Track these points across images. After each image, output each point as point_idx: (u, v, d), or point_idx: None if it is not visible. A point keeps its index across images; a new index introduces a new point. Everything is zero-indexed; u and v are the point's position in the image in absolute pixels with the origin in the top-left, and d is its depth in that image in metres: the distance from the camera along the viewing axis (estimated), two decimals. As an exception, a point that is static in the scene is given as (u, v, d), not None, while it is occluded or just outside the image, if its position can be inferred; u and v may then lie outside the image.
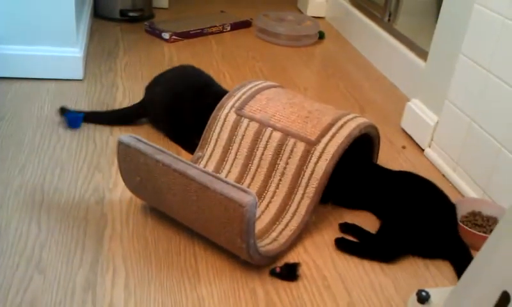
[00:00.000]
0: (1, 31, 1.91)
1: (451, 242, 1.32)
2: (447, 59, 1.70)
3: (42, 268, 1.17)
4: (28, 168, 1.49)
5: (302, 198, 1.34)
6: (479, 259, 0.85)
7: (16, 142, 1.60)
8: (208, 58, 2.39)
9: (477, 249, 0.97)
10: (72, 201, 1.39)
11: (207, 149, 1.50)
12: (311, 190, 1.33)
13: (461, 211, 1.44)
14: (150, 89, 1.74)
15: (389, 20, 2.47)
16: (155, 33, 2.56)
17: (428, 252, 1.32)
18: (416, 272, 1.28)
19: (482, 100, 1.53)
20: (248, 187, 1.40)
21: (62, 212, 1.34)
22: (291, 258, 1.28)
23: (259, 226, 1.31)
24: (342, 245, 1.32)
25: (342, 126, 1.39)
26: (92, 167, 1.52)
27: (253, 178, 1.42)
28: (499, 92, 1.45)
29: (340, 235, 1.36)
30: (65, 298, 1.10)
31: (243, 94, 1.53)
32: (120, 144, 1.27)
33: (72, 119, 1.68)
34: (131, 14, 2.72)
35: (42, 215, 1.32)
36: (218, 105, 1.52)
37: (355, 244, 1.33)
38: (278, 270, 1.21)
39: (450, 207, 1.38)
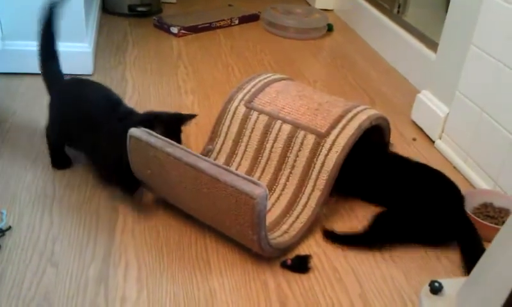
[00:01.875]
0: (12, 27, 1.92)
1: (458, 223, 1.31)
2: (458, 50, 1.69)
3: (55, 261, 1.18)
4: (39, 162, 1.50)
5: (312, 190, 1.34)
6: (492, 249, 0.85)
7: (27, 136, 1.61)
8: (217, 52, 2.39)
9: (489, 240, 0.96)
10: (83, 194, 1.39)
11: (217, 142, 1.50)
12: (321, 183, 1.33)
13: (473, 202, 1.43)
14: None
15: (398, 11, 2.45)
16: (164, 27, 2.57)
17: (436, 238, 1.31)
18: (427, 264, 1.27)
19: (494, 91, 1.51)
20: (258, 179, 1.40)
21: (74, 205, 1.35)
22: (302, 250, 1.28)
23: (270, 218, 1.31)
24: (329, 236, 1.32)
25: (352, 118, 1.39)
26: (103, 161, 1.53)
27: (263, 171, 1.42)
28: (511, 82, 1.44)
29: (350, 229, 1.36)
30: (78, 291, 1.11)
31: (252, 87, 1.53)
32: (131, 137, 1.27)
33: None
34: (139, 9, 2.73)
35: (54, 209, 1.33)
36: (227, 98, 1.52)
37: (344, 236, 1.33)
38: (289, 262, 1.21)
39: (455, 191, 1.37)
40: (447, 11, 1.79)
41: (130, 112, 1.40)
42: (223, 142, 1.49)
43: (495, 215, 1.40)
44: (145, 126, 1.28)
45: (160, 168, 1.24)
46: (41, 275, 1.14)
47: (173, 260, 1.21)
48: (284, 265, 1.22)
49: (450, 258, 1.29)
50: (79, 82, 1.53)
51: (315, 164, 1.34)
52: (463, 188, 1.41)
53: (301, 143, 1.37)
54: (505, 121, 1.46)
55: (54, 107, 1.48)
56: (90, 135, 1.37)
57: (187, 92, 1.99)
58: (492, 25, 1.52)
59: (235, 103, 1.50)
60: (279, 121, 1.42)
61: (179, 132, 1.37)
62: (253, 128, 1.45)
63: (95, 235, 1.26)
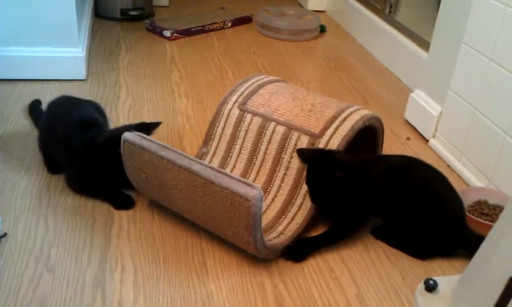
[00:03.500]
0: (3, 33, 1.92)
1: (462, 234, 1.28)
2: (449, 49, 1.70)
3: (51, 266, 1.18)
4: (34, 168, 1.49)
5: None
6: (486, 246, 0.85)
7: (21, 142, 1.60)
8: (210, 55, 2.39)
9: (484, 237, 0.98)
10: (78, 199, 1.39)
11: (211, 145, 1.50)
12: (316, 183, 1.33)
13: (467, 200, 1.44)
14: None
15: (390, 11, 2.47)
16: (157, 31, 2.57)
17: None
18: (423, 262, 1.28)
19: (486, 89, 1.53)
20: (253, 181, 1.41)
21: (69, 211, 1.35)
22: (298, 251, 1.28)
23: (265, 220, 1.31)
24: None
25: (345, 118, 1.39)
26: (97, 166, 1.53)
27: (258, 173, 1.43)
28: (502, 80, 1.45)
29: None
30: (75, 296, 1.11)
31: (246, 89, 1.54)
32: (125, 141, 1.27)
33: None
34: (132, 13, 2.73)
35: (49, 215, 1.33)
36: (221, 101, 1.52)
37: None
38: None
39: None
40: (438, 10, 1.80)
41: (100, 133, 1.40)
42: (217, 145, 1.49)
43: (489, 212, 1.41)
44: (110, 145, 1.32)
45: (154, 172, 1.24)
46: (37, 280, 1.14)
47: (169, 264, 1.21)
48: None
49: (446, 255, 1.30)
50: (61, 103, 1.54)
51: (309, 165, 1.35)
52: (457, 187, 1.41)
53: (295, 144, 1.38)
54: (498, 118, 1.47)
55: (40, 124, 1.55)
56: (65, 156, 1.42)
57: (181, 96, 1.99)
58: (483, 24, 1.53)
59: (229, 106, 1.50)
60: (273, 123, 1.43)
61: None
62: (247, 130, 1.46)
63: (90, 240, 1.26)
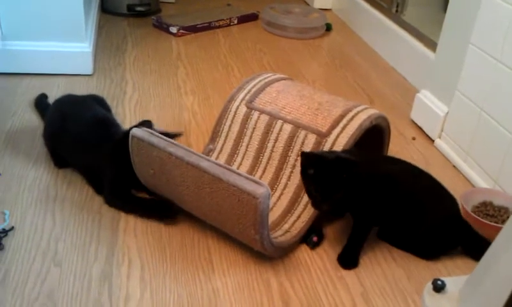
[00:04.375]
0: (11, 27, 1.92)
1: (460, 230, 1.30)
2: (457, 50, 1.70)
3: (58, 260, 1.18)
4: (41, 162, 1.50)
5: (314, 190, 1.34)
6: (495, 247, 0.85)
7: (27, 136, 1.61)
8: (216, 52, 2.40)
9: (489, 239, 0.98)
10: (85, 193, 1.40)
11: (218, 142, 1.50)
12: (323, 182, 1.33)
13: (473, 201, 1.44)
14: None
15: (397, 10, 2.46)
16: (163, 27, 2.57)
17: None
18: (428, 262, 1.28)
19: (493, 90, 1.52)
20: (260, 179, 1.41)
21: (76, 205, 1.36)
22: (304, 249, 1.29)
23: (271, 218, 1.32)
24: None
25: (352, 117, 1.39)
26: (104, 161, 1.53)
27: (264, 171, 1.43)
28: (510, 82, 1.45)
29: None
30: (82, 290, 1.11)
31: (253, 87, 1.54)
32: (133, 137, 1.28)
33: None
34: (138, 9, 2.73)
35: (56, 209, 1.34)
36: (228, 98, 1.52)
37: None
38: (315, 239, 1.28)
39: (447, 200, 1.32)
40: (445, 10, 1.80)
41: (116, 132, 1.41)
42: (224, 142, 1.50)
43: (495, 213, 1.41)
44: (122, 146, 1.32)
45: (162, 168, 1.25)
46: (45, 274, 1.14)
47: (176, 260, 1.22)
48: (311, 243, 1.28)
49: (451, 255, 1.30)
50: (68, 102, 1.55)
51: (316, 164, 1.35)
52: (463, 188, 1.41)
53: (302, 143, 1.38)
54: (505, 120, 1.47)
55: (46, 120, 1.56)
56: (79, 155, 1.43)
57: (187, 93, 2.00)
58: (491, 25, 1.53)
59: (236, 103, 1.50)
60: (280, 121, 1.43)
61: None
62: (254, 128, 1.46)
63: (97, 234, 1.27)
